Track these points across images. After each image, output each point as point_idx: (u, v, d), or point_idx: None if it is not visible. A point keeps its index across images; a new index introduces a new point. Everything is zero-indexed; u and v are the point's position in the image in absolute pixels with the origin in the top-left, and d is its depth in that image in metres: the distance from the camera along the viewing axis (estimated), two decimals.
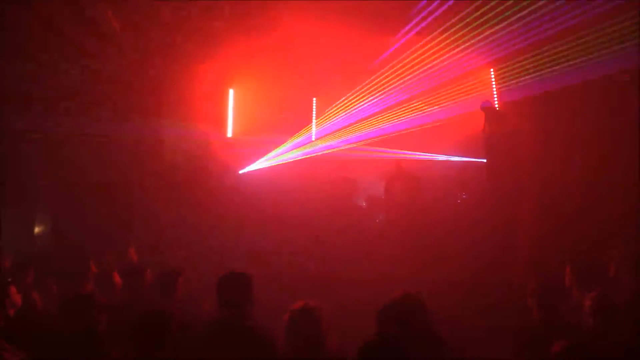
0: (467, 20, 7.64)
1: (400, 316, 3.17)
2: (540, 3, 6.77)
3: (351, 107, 9.55)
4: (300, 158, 9.68)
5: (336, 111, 9.72)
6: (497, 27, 7.57)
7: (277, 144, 9.79)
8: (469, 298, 5.56)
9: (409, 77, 8.82)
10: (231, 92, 10.31)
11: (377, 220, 9.24)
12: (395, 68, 8.90)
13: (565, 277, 4.37)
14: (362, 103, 9.41)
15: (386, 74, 9.06)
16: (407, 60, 8.67)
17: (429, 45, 8.32)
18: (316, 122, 10.20)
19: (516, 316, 4.12)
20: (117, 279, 4.75)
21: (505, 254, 6.97)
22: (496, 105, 8.56)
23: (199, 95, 9.31)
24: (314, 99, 10.25)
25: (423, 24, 7.77)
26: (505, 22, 7.34)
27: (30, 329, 3.77)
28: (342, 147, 9.62)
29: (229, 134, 10.32)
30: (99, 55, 7.91)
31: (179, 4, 7.69)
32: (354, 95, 9.45)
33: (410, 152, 9.25)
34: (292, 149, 9.82)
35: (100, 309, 3.83)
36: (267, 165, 9.79)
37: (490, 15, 7.40)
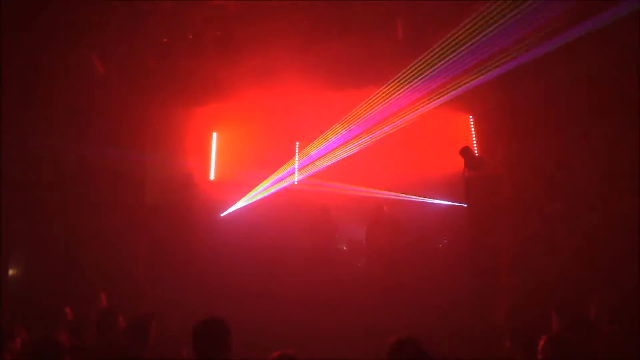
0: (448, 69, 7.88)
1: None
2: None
3: (334, 151, 9.63)
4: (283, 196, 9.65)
5: (319, 155, 9.79)
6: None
7: (259, 187, 9.79)
8: (452, 343, 5.51)
9: (389, 121, 9.01)
10: (214, 135, 10.37)
11: (359, 264, 9.19)
12: (375, 113, 9.08)
13: (547, 321, 4.38)
14: (345, 147, 9.51)
15: (367, 119, 9.22)
16: (387, 106, 8.86)
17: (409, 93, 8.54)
18: (298, 166, 10.25)
19: None
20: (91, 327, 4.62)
21: (487, 298, 6.97)
22: (475, 151, 8.71)
23: (183, 138, 9.36)
24: (297, 143, 10.32)
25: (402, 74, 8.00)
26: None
27: None
28: (324, 189, 9.64)
29: (212, 176, 10.31)
30: (84, 97, 7.95)
31: (166, 49, 7.83)
32: (337, 140, 9.55)
33: (391, 193, 9.29)
34: (275, 192, 9.81)
35: (67, 354, 3.72)
36: (249, 208, 9.73)
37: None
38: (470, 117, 9.14)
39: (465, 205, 8.11)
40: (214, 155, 10.36)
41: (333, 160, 9.58)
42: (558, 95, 6.88)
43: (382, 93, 8.65)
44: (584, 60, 6.59)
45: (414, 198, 9.25)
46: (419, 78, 8.16)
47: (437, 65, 7.80)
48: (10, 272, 7.76)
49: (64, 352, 3.72)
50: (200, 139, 10.09)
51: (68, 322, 4.85)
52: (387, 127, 9.18)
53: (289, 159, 10.13)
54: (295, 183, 10.11)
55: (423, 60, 7.75)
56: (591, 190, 6.55)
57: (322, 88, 8.39)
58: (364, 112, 9.17)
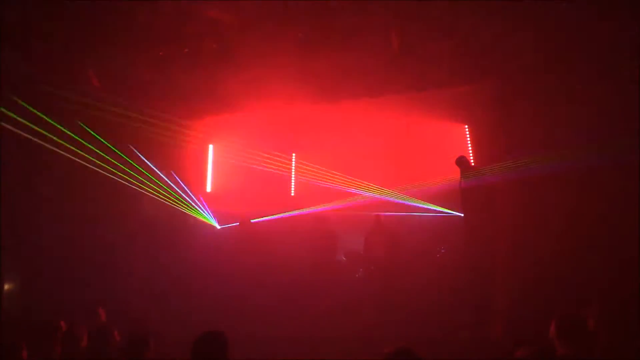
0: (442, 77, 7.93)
1: None
2: None
3: (329, 163, 9.63)
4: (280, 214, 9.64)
5: (315, 167, 9.79)
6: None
7: (256, 199, 9.76)
8: (449, 353, 5.50)
9: (384, 132, 9.06)
10: (211, 147, 10.37)
11: (357, 275, 9.16)
12: (370, 124, 9.13)
13: (545, 330, 4.36)
14: (340, 159, 9.52)
15: (361, 131, 9.26)
16: (381, 117, 8.92)
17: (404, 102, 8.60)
18: (295, 178, 10.25)
19: None
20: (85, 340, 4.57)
21: (483, 308, 6.96)
22: (471, 160, 8.74)
23: (179, 150, 9.37)
24: (293, 154, 10.32)
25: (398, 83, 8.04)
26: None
27: None
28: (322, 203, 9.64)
29: (209, 188, 10.29)
30: (79, 107, 7.96)
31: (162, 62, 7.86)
32: (332, 151, 9.57)
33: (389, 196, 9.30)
34: (272, 205, 9.79)
35: None
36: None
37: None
38: (466, 126, 9.19)
39: (462, 215, 8.13)
40: (211, 167, 10.36)
41: (330, 171, 9.60)
42: (554, 104, 6.91)
43: (377, 104, 8.70)
44: (580, 67, 6.65)
45: (410, 204, 9.26)
46: (415, 89, 8.24)
47: (433, 76, 7.87)
48: (6, 287, 7.71)
49: None
50: (197, 151, 10.09)
51: (63, 336, 4.79)
52: (383, 138, 9.23)
53: (286, 170, 10.16)
54: (292, 195, 10.12)
55: (418, 71, 7.82)
56: (588, 197, 6.56)
57: (318, 99, 8.42)
58: (361, 123, 9.21)
